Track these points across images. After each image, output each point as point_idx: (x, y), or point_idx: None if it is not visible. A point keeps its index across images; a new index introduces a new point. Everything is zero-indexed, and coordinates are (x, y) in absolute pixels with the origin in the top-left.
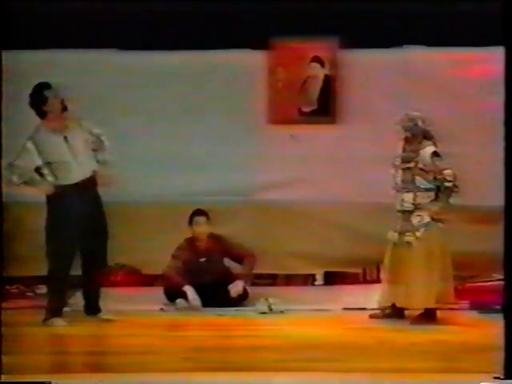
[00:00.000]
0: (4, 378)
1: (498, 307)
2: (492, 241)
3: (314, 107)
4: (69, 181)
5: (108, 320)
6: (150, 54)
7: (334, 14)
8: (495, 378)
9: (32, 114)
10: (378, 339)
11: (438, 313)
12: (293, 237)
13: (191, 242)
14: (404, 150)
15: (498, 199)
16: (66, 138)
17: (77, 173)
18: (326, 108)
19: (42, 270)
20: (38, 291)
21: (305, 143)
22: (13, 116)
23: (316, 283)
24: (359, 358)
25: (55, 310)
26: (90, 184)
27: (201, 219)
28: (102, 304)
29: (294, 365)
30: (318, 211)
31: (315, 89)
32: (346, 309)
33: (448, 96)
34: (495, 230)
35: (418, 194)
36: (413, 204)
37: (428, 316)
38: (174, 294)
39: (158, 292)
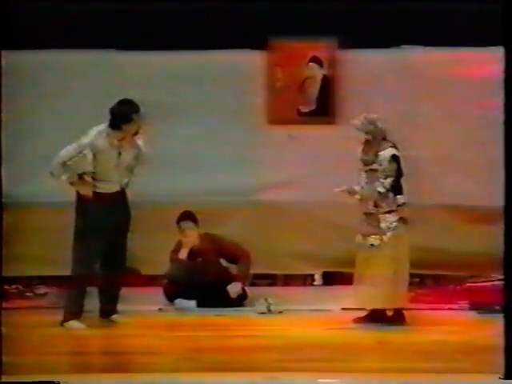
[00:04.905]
0: (4, 378)
1: (497, 307)
2: (492, 241)
3: (313, 107)
4: (106, 190)
5: (115, 322)
6: (149, 53)
7: (332, 14)
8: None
9: (31, 113)
10: (378, 339)
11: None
12: (291, 237)
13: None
14: (365, 153)
15: (498, 199)
16: (119, 153)
17: (115, 184)
18: (324, 108)
19: (42, 270)
20: (37, 291)
21: (303, 143)
22: (13, 116)
23: (315, 283)
24: (358, 357)
25: (75, 312)
26: (122, 193)
27: (188, 224)
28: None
29: (293, 365)
30: (316, 211)
31: (314, 89)
32: (344, 309)
33: (448, 96)
34: (495, 230)
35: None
36: (375, 207)
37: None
38: (173, 295)
39: (158, 292)
